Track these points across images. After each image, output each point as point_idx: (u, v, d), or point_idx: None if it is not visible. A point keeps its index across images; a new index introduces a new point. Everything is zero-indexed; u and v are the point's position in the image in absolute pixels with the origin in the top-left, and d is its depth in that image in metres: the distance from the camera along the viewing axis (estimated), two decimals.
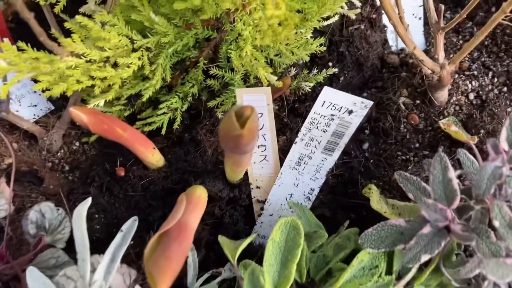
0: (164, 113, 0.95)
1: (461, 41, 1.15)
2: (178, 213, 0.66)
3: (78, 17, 0.72)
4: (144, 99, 0.91)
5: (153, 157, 0.90)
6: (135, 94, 0.96)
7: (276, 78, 0.82)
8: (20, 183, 1.03)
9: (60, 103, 1.10)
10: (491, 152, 0.72)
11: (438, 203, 0.70)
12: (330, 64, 1.10)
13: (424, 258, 0.70)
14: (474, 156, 0.82)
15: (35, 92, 1.07)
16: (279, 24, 0.62)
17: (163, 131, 0.96)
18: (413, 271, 0.74)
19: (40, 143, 1.06)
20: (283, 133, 1.04)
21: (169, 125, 0.98)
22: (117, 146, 0.96)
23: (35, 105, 1.07)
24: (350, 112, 0.79)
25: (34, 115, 1.07)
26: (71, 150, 1.08)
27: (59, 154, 1.07)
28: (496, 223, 0.64)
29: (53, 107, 1.09)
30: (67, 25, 0.74)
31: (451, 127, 0.89)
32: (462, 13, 0.86)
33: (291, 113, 1.08)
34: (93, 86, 0.78)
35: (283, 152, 0.98)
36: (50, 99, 1.08)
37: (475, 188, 0.69)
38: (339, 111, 0.79)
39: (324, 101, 0.78)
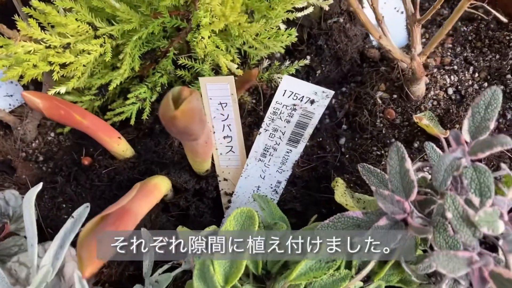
0: (133, 103, 0.95)
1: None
2: (124, 199, 0.64)
3: (34, 2, 0.71)
4: (111, 88, 0.90)
5: (119, 147, 0.89)
6: (106, 84, 0.96)
7: (236, 66, 0.80)
8: None
9: None
10: (452, 143, 0.69)
11: (396, 195, 0.68)
12: (308, 57, 1.08)
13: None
14: (443, 150, 0.79)
15: (11, 82, 1.07)
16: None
17: (132, 122, 0.96)
18: (371, 265, 0.71)
19: (14, 133, 1.06)
20: (258, 127, 1.03)
21: (139, 116, 0.97)
22: (91, 137, 0.95)
23: (11, 95, 1.07)
24: (312, 102, 0.77)
25: (9, 105, 1.07)
26: (46, 140, 1.08)
27: (33, 144, 1.07)
28: (449, 215, 0.61)
29: None
30: (24, 10, 0.73)
31: (423, 120, 0.86)
32: (436, 3, 0.84)
33: (267, 106, 1.06)
34: (52, 72, 0.77)
35: None
36: (26, 89, 1.09)
37: (433, 180, 0.66)
38: (301, 100, 0.77)
39: (285, 90, 0.77)
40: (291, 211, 0.93)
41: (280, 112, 0.80)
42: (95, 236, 0.54)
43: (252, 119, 1.05)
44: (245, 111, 1.07)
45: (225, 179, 0.90)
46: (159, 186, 0.76)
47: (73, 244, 0.81)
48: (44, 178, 0.98)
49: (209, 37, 0.76)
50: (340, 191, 0.82)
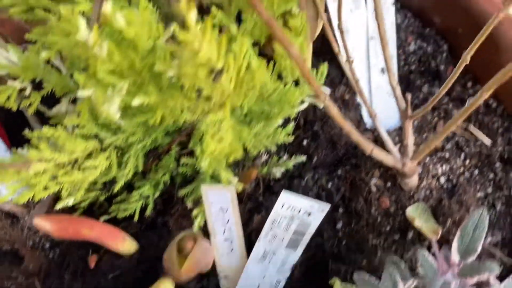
0: (136, 200, 0.98)
1: (436, 118, 1.16)
2: None
3: (45, 130, 0.75)
4: (116, 188, 0.94)
5: (124, 247, 0.92)
6: (110, 181, 0.99)
7: (237, 179, 0.84)
8: (1, 263, 1.07)
9: None
10: (442, 264, 0.73)
11: None
12: (305, 142, 1.12)
13: None
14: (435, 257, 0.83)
15: None
16: None
17: (136, 218, 0.99)
18: None
19: (21, 222, 1.09)
20: (258, 212, 1.06)
21: (143, 211, 1.01)
22: None
23: None
24: (309, 214, 0.81)
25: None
26: None
27: (40, 232, 1.10)
28: None
29: None
30: (32, 138, 0.77)
31: (415, 221, 0.90)
32: (432, 100, 0.85)
33: (267, 191, 1.10)
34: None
35: (258, 232, 0.99)
36: None
37: None
38: (299, 212, 0.81)
39: (283, 204, 0.80)
40: None
41: (279, 222, 0.84)
42: None
43: (251, 205, 1.08)
44: (245, 195, 1.10)
45: (225, 277, 0.93)
46: None
47: None
48: (52, 273, 1.01)
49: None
50: None
